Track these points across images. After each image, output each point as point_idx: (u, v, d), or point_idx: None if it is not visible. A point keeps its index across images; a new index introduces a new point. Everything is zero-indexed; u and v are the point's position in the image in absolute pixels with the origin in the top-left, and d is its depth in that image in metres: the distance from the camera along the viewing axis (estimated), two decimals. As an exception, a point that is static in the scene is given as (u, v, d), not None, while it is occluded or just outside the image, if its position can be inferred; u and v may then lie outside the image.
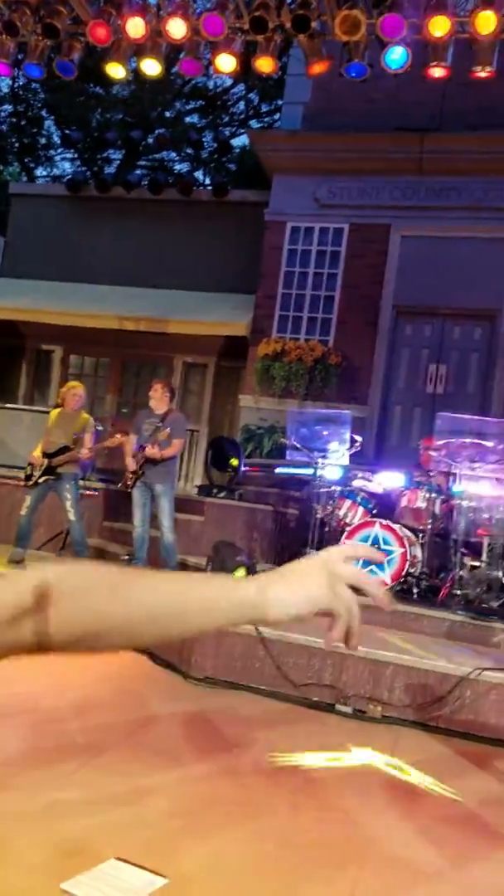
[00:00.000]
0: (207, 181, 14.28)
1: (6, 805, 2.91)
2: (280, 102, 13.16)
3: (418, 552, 6.20)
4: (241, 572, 5.10)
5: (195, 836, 2.90)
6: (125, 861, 2.59)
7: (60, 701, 4.20)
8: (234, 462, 7.95)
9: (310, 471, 7.09)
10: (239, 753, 3.79)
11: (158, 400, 6.62)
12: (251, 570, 5.21)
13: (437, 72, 6.68)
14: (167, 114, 18.34)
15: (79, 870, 2.49)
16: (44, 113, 18.25)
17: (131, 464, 6.47)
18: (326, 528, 6.60)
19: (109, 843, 2.70)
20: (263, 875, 2.70)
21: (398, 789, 3.60)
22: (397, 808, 3.39)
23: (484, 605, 5.64)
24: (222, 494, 7.87)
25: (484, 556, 5.91)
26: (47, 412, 7.74)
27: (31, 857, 2.56)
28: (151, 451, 6.36)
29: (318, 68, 6.94)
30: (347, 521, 6.46)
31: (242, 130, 17.67)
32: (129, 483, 6.48)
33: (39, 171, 19.42)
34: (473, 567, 5.92)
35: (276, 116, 16.74)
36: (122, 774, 3.36)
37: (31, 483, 6.60)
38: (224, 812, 3.15)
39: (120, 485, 6.83)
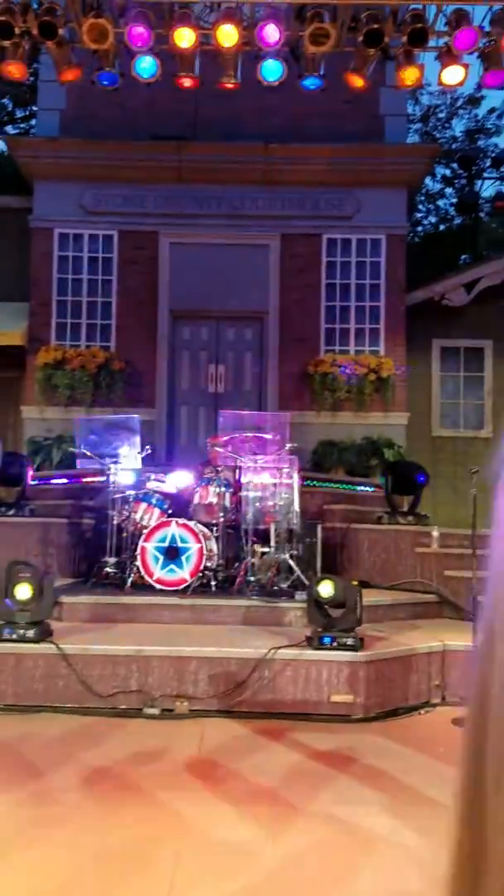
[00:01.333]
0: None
1: None
2: (35, 108, 12.81)
3: (214, 546, 6.43)
4: (24, 589, 4.94)
5: (4, 865, 2.83)
6: None
7: None
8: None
9: (103, 478, 7.04)
10: (47, 775, 3.73)
11: None
12: (39, 586, 5.06)
13: (186, 82, 6.89)
14: None
15: None
16: None
17: None
18: (124, 534, 6.61)
19: None
20: (81, 886, 2.71)
21: (208, 777, 3.75)
22: (209, 794, 3.54)
23: (275, 588, 6.01)
24: (11, 512, 7.56)
25: (272, 542, 6.28)
26: None
27: None
28: None
29: (69, 75, 6.89)
30: (144, 523, 6.52)
31: (-2, 136, 16.98)
32: None
33: None
34: (263, 553, 6.26)
35: (33, 122, 16.25)
36: None
37: None
38: (33, 835, 3.10)
39: None
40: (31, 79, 9.41)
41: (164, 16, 6.67)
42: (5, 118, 18.12)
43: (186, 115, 9.76)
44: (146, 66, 6.74)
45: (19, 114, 17.92)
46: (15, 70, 6.78)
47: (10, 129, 17.80)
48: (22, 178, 10.95)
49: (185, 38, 6.60)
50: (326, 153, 9.95)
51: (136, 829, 3.17)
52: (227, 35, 6.59)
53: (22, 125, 17.78)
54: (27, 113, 17.26)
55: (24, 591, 4.94)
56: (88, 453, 6.98)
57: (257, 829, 3.20)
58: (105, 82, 6.94)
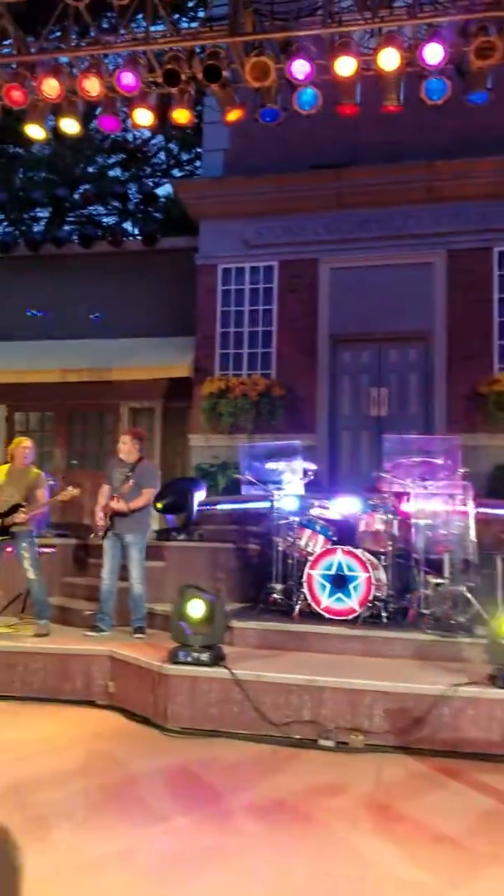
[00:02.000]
0: (137, 231, 14.39)
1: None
2: (200, 150, 13.44)
3: (382, 575, 6.24)
4: (199, 612, 5.02)
5: (184, 886, 2.85)
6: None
7: (38, 770, 4.07)
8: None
9: (267, 504, 7.08)
10: (225, 800, 3.73)
11: (128, 452, 6.62)
12: (212, 609, 5.12)
13: (348, 109, 6.91)
14: (90, 169, 18.50)
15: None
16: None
17: (100, 516, 6.42)
18: (289, 560, 6.59)
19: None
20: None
21: (387, 815, 3.58)
22: (388, 833, 3.38)
23: (452, 622, 5.69)
24: (182, 537, 7.79)
25: (446, 573, 5.98)
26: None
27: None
28: (117, 504, 6.33)
29: (233, 115, 7.11)
30: (309, 550, 6.46)
31: (165, 180, 17.95)
32: (99, 534, 6.44)
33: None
34: (437, 584, 5.97)
35: (197, 164, 17.06)
36: (107, 837, 3.27)
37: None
38: (213, 859, 3.10)
39: (92, 535, 6.78)
40: (196, 121, 9.90)
41: (325, 46, 6.74)
42: (172, 162, 19.15)
43: (346, 141, 9.79)
44: (307, 98, 6.83)
45: (185, 157, 18.87)
46: (182, 115, 7.10)
47: (176, 171, 18.78)
48: (187, 219, 11.48)
49: (346, 66, 6.62)
50: (495, 165, 9.59)
51: (312, 864, 3.09)
52: (390, 59, 6.54)
53: (187, 167, 18.70)
54: (192, 155, 18.12)
55: (198, 614, 5.03)
56: (252, 479, 7.05)
57: (439, 872, 3.02)
58: (268, 119, 7.08)
